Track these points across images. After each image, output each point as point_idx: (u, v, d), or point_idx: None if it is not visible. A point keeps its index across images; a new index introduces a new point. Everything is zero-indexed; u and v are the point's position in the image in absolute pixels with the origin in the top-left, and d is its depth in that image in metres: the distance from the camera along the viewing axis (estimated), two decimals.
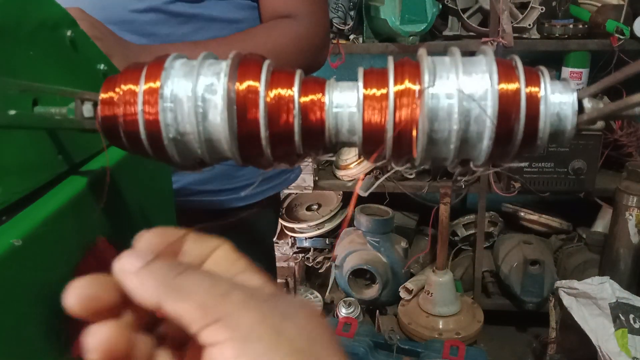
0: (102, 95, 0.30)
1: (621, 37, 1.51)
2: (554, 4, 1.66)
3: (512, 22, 1.55)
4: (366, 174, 1.76)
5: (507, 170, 1.48)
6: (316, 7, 0.71)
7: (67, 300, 0.23)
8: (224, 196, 0.76)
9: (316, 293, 1.81)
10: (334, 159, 1.80)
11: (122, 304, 0.24)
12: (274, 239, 1.05)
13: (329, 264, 1.88)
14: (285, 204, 1.94)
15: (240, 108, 0.28)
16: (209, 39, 0.65)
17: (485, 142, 0.27)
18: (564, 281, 1.49)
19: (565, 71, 1.68)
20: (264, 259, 0.88)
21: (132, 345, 0.24)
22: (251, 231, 0.82)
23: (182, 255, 0.26)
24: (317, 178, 1.79)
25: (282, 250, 1.93)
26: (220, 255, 0.26)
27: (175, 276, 0.23)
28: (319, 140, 0.30)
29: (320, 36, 0.72)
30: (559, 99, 0.28)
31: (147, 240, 0.26)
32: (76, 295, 0.23)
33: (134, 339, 0.24)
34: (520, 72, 0.28)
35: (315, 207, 1.94)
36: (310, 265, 1.92)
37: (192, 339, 0.24)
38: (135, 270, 0.23)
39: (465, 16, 1.59)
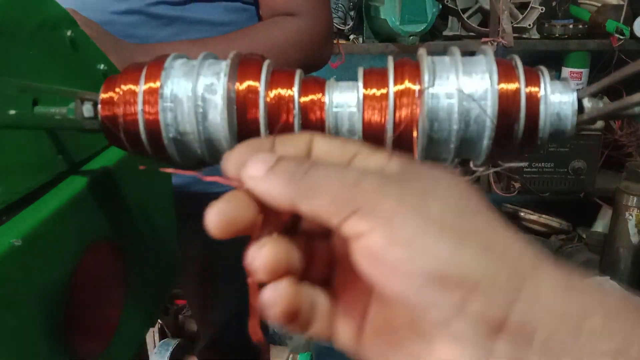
0: (102, 95, 0.30)
1: (621, 37, 1.51)
2: (554, 4, 1.66)
3: (512, 22, 1.55)
4: None
5: (507, 170, 1.48)
6: (318, 4, 0.70)
7: (209, 223, 0.22)
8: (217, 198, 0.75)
9: None
10: None
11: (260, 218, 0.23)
12: None
13: None
14: None
15: (240, 108, 0.28)
16: (196, 39, 0.64)
17: (485, 142, 0.27)
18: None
19: (565, 71, 1.68)
20: None
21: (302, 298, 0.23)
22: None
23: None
24: None
25: None
26: (321, 147, 0.24)
27: (303, 173, 0.22)
28: None
29: (323, 33, 0.71)
30: (559, 98, 0.28)
31: (238, 154, 0.24)
32: (218, 217, 0.22)
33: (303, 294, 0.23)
34: (520, 72, 0.28)
35: None
36: None
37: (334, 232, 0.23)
38: (262, 175, 0.22)
39: (465, 16, 1.59)
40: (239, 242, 0.23)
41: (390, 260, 0.19)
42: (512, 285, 0.18)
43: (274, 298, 0.22)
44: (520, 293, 0.18)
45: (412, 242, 0.19)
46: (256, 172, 0.22)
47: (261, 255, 0.22)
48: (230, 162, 0.23)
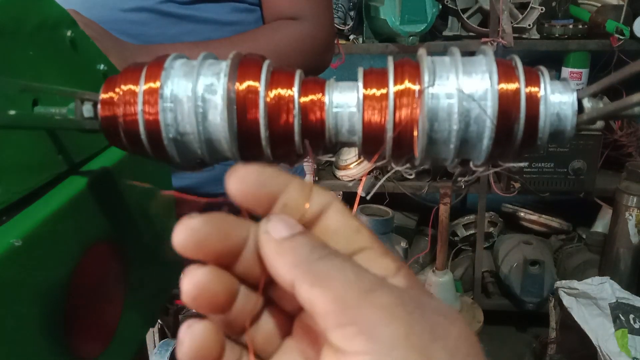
0: (102, 96, 0.30)
1: (621, 37, 1.51)
2: (554, 4, 1.66)
3: (512, 22, 1.55)
4: (366, 174, 1.76)
5: (507, 170, 1.48)
6: (321, 9, 0.70)
7: (176, 240, 0.22)
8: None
9: None
10: (333, 159, 1.80)
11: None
12: None
13: None
14: None
15: (240, 108, 0.28)
16: (201, 40, 0.64)
17: (485, 142, 0.27)
18: (564, 281, 1.49)
19: (565, 71, 1.68)
20: None
21: (231, 294, 0.22)
22: None
23: (279, 205, 0.22)
24: (317, 178, 1.79)
25: None
26: (334, 219, 0.22)
27: (318, 259, 0.20)
28: (319, 140, 0.30)
29: (325, 38, 0.71)
30: (559, 98, 0.28)
31: (242, 177, 0.22)
32: (185, 234, 0.22)
33: (233, 289, 0.22)
34: (520, 72, 0.28)
35: None
36: None
37: (301, 317, 0.22)
38: (279, 239, 0.21)
39: (465, 16, 1.59)
40: None
41: None
42: None
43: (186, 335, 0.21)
44: None
45: None
46: (275, 233, 0.21)
47: (192, 277, 0.21)
48: (237, 178, 0.22)
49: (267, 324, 0.24)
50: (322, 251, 0.20)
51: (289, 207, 0.22)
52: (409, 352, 0.17)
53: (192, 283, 0.21)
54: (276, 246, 0.20)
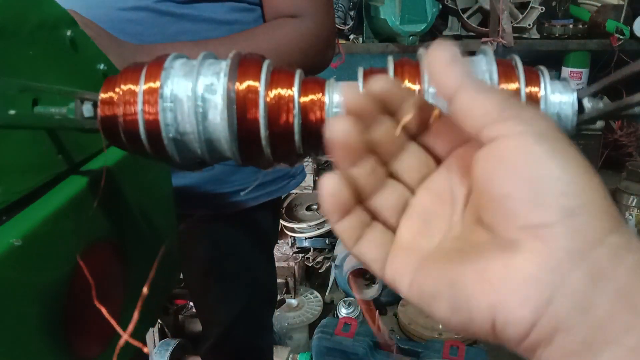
0: (102, 95, 0.30)
1: (621, 37, 1.51)
2: (554, 4, 1.66)
3: (512, 22, 1.55)
4: None
5: None
6: (321, 7, 0.69)
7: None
8: (217, 201, 0.75)
9: (316, 293, 1.81)
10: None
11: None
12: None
13: (329, 264, 1.88)
14: (285, 204, 1.94)
15: (240, 108, 0.28)
16: (198, 40, 0.64)
17: None
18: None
19: (565, 71, 1.68)
20: (262, 265, 0.88)
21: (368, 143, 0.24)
22: (247, 234, 0.81)
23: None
24: (317, 178, 1.79)
25: (282, 250, 1.93)
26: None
27: (476, 80, 0.23)
28: (319, 140, 0.30)
29: (325, 36, 0.70)
30: (559, 98, 0.28)
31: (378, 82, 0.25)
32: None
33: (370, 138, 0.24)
34: (520, 72, 0.28)
35: (315, 207, 1.93)
36: (310, 265, 1.92)
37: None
38: (449, 57, 0.23)
39: (465, 16, 1.59)
40: (245, 243, 0.23)
41: (532, 160, 0.20)
42: (614, 223, 0.20)
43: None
44: (617, 231, 0.19)
45: (560, 151, 0.20)
46: (446, 52, 0.23)
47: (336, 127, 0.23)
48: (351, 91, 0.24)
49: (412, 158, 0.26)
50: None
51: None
52: (560, 135, 0.21)
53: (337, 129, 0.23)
54: (447, 60, 0.23)
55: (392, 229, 0.26)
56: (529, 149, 0.20)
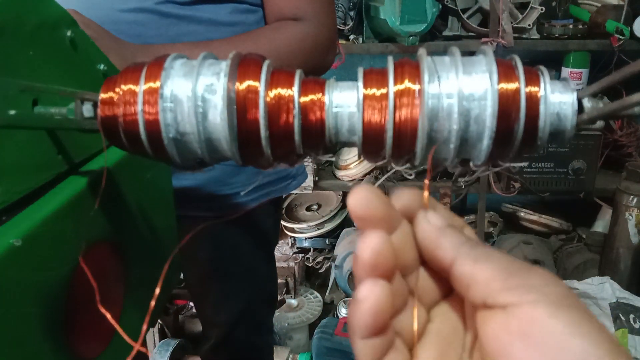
0: (102, 95, 0.30)
1: (621, 37, 1.51)
2: (554, 4, 1.66)
3: (512, 22, 1.55)
4: (366, 174, 1.76)
5: (507, 170, 1.48)
6: (322, 9, 0.69)
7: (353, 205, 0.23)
8: (218, 202, 0.75)
9: (316, 293, 1.81)
10: (333, 159, 1.80)
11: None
12: None
13: (329, 264, 1.88)
14: (285, 204, 1.94)
15: (240, 108, 0.28)
16: (198, 41, 0.64)
17: (485, 142, 0.27)
18: (564, 281, 1.49)
19: (565, 71, 1.68)
20: (263, 266, 0.88)
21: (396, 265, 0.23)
22: (248, 235, 0.81)
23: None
24: (317, 178, 1.79)
25: (282, 250, 1.93)
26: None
27: (475, 244, 0.22)
28: (319, 140, 0.30)
29: (326, 38, 0.70)
30: (559, 98, 0.28)
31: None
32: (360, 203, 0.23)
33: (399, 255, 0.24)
34: (520, 72, 0.28)
35: (315, 207, 1.94)
36: (310, 265, 1.92)
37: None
38: (440, 226, 0.23)
39: (465, 16, 1.59)
40: (245, 243, 0.23)
41: (546, 332, 0.19)
42: None
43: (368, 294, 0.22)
44: None
45: (577, 325, 0.19)
46: (435, 221, 0.23)
47: (372, 242, 0.22)
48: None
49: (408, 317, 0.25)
50: (473, 240, 0.23)
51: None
52: (576, 302, 0.20)
53: (369, 247, 0.22)
54: (440, 231, 0.23)
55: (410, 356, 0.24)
56: (546, 323, 0.19)
